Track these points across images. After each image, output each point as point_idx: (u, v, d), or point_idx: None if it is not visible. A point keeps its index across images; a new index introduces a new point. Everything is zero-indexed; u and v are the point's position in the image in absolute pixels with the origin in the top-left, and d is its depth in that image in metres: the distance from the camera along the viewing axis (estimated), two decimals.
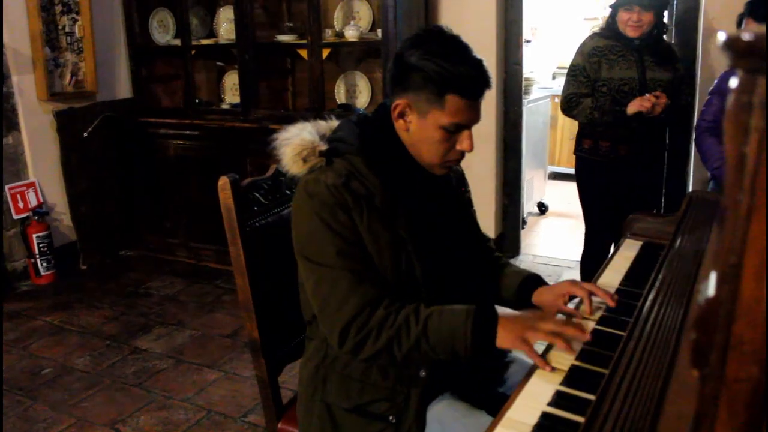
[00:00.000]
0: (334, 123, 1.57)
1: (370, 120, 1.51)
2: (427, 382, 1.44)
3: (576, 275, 3.60)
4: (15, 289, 3.96)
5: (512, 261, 2.46)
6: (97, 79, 4.25)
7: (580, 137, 3.14)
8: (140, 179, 4.50)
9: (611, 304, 1.47)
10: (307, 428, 1.57)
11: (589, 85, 2.97)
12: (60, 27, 4.04)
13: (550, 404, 1.13)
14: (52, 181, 4.14)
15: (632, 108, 2.81)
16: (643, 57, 2.92)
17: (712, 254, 1.31)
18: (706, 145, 2.90)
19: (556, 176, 6.44)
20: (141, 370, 3.03)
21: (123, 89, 4.50)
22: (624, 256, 1.85)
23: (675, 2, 3.55)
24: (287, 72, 4.52)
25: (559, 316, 1.46)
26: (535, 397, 1.16)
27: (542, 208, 5.50)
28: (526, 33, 4.28)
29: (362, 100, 4.23)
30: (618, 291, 1.61)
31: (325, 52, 3.88)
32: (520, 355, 1.72)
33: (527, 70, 4.48)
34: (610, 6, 3.02)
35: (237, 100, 4.39)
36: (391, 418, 1.44)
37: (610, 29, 2.97)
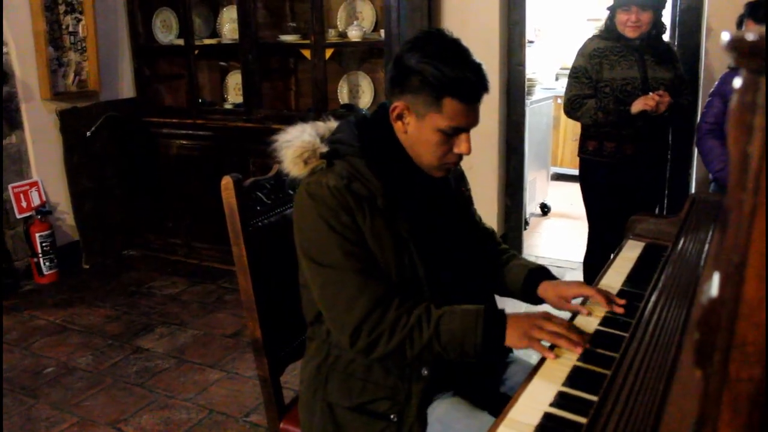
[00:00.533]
0: (333, 124, 1.57)
1: (369, 121, 1.52)
2: (429, 380, 1.44)
3: (579, 276, 3.60)
4: (18, 288, 3.97)
5: None
6: (101, 79, 4.26)
7: (584, 139, 3.13)
8: (143, 179, 4.51)
9: (619, 310, 1.47)
10: (308, 428, 1.57)
11: (591, 86, 2.97)
12: (63, 26, 4.05)
13: (552, 405, 1.13)
14: (55, 180, 4.15)
15: (637, 107, 2.81)
16: (644, 56, 2.92)
17: (715, 255, 1.31)
18: (708, 146, 2.90)
19: (558, 177, 6.44)
20: (143, 369, 3.03)
21: (126, 89, 4.51)
22: (626, 257, 1.85)
23: (677, 2, 3.55)
24: (290, 72, 4.53)
25: (565, 314, 1.47)
26: (537, 398, 1.16)
27: (545, 209, 5.49)
28: (529, 34, 4.28)
29: (365, 100, 4.23)
30: (620, 292, 1.61)
31: (328, 53, 3.88)
32: (521, 355, 1.72)
33: (530, 71, 4.48)
34: (608, 8, 3.03)
35: (240, 99, 4.39)
36: (392, 416, 1.44)
37: (609, 30, 2.98)
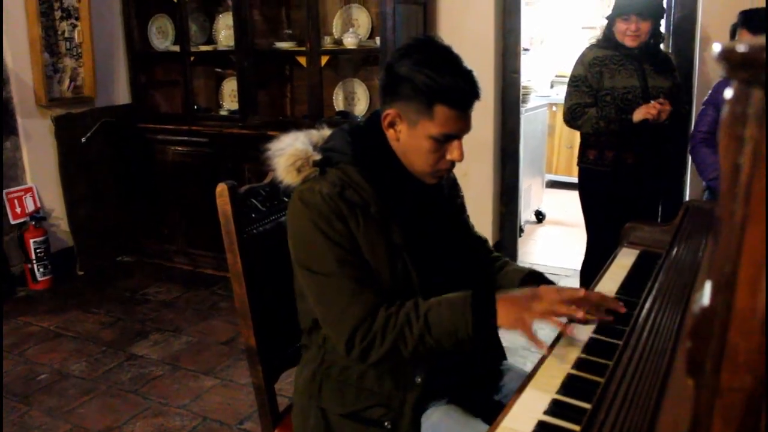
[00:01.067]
0: (326, 132, 1.57)
1: (362, 129, 1.52)
2: (423, 387, 1.44)
3: (574, 283, 3.60)
4: (12, 295, 3.95)
5: None
6: (96, 85, 4.26)
7: (584, 148, 3.13)
8: (138, 185, 4.50)
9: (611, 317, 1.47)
10: None
11: (592, 95, 2.97)
12: (59, 32, 4.05)
13: (546, 413, 1.13)
14: (49, 186, 4.14)
15: (638, 115, 2.82)
16: (643, 65, 2.93)
17: (707, 264, 1.32)
18: (702, 155, 2.91)
19: (553, 184, 6.45)
20: (137, 376, 3.02)
21: (122, 95, 4.51)
22: (621, 265, 1.85)
23: (672, 11, 3.57)
24: (286, 79, 4.54)
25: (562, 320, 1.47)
26: (531, 406, 1.16)
27: (539, 217, 5.50)
28: (524, 42, 4.30)
29: (360, 107, 4.23)
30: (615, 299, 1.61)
31: (324, 60, 3.89)
32: (515, 363, 1.72)
33: (525, 79, 4.49)
34: (607, 17, 3.03)
35: (235, 106, 4.39)
36: (386, 423, 1.44)
37: (608, 39, 2.99)
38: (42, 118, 4.05)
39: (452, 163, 1.45)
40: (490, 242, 4.10)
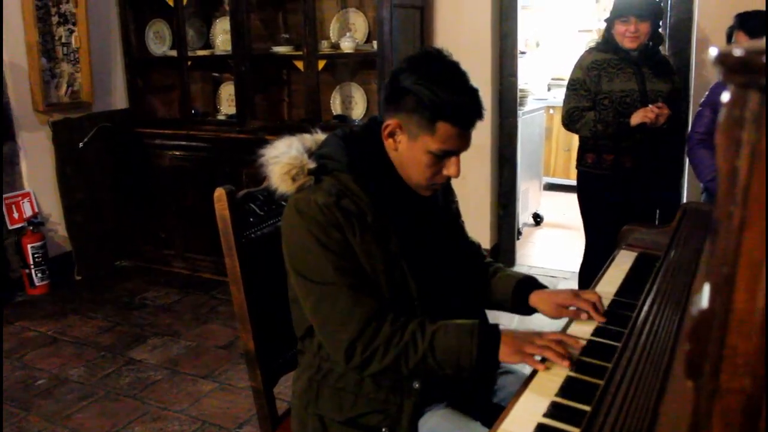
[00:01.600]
0: (320, 137, 1.57)
1: (358, 136, 1.51)
2: (420, 393, 1.44)
3: (573, 286, 3.60)
4: (10, 300, 3.94)
5: None
6: (93, 90, 4.26)
7: (583, 152, 3.13)
8: (136, 190, 4.50)
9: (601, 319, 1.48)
10: None
11: (590, 99, 2.97)
12: (56, 37, 4.05)
13: (545, 415, 1.13)
14: (47, 191, 4.13)
15: (636, 119, 2.82)
16: (642, 69, 2.93)
17: (706, 266, 1.32)
18: (699, 157, 2.91)
19: (551, 187, 6.46)
20: (135, 381, 3.02)
21: (119, 100, 4.51)
22: (619, 267, 1.86)
23: (668, 14, 3.58)
24: (283, 83, 4.54)
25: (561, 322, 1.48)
26: (530, 408, 1.16)
27: (537, 219, 5.51)
28: (521, 45, 4.31)
29: (358, 111, 4.24)
30: (613, 302, 1.62)
31: (321, 64, 3.89)
32: (513, 365, 1.72)
33: (522, 82, 4.50)
34: (605, 20, 3.04)
35: (233, 110, 4.40)
36: (384, 429, 1.44)
37: (607, 43, 2.99)
38: (39, 124, 4.05)
39: (448, 178, 1.45)
40: (489, 245, 4.13)
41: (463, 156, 1.43)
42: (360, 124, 1.56)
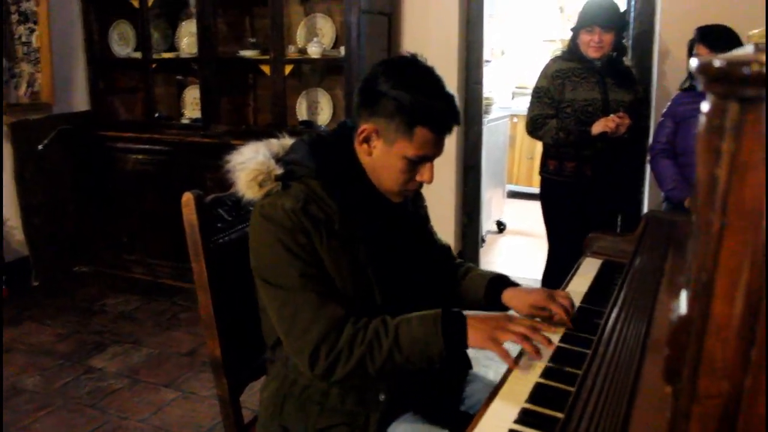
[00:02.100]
0: (287, 141, 1.55)
1: (326, 141, 1.49)
2: (386, 404, 1.43)
3: None
4: None
5: None
6: (54, 91, 4.17)
7: (546, 158, 3.18)
8: (97, 193, 4.41)
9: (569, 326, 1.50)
10: None
11: (553, 107, 3.02)
12: (16, 36, 3.96)
13: (516, 421, 1.14)
14: (5, 193, 4.02)
15: (597, 128, 2.87)
16: (605, 78, 2.99)
17: (681, 273, 1.35)
18: (661, 166, 2.97)
19: (513, 195, 6.53)
20: (95, 390, 2.95)
21: (80, 101, 4.42)
22: (584, 275, 1.88)
23: (631, 26, 3.65)
24: (248, 87, 4.50)
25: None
26: (501, 415, 1.16)
27: (500, 227, 5.56)
28: (486, 53, 4.34)
29: (324, 116, 4.23)
30: (580, 309, 1.63)
31: (288, 69, 3.88)
32: (480, 372, 1.73)
33: (486, 90, 4.54)
34: (571, 29, 3.09)
35: (197, 114, 4.35)
36: None
37: (572, 52, 3.04)
38: None
39: (420, 184, 1.45)
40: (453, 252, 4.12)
41: None
42: (329, 130, 1.55)
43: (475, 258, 4.37)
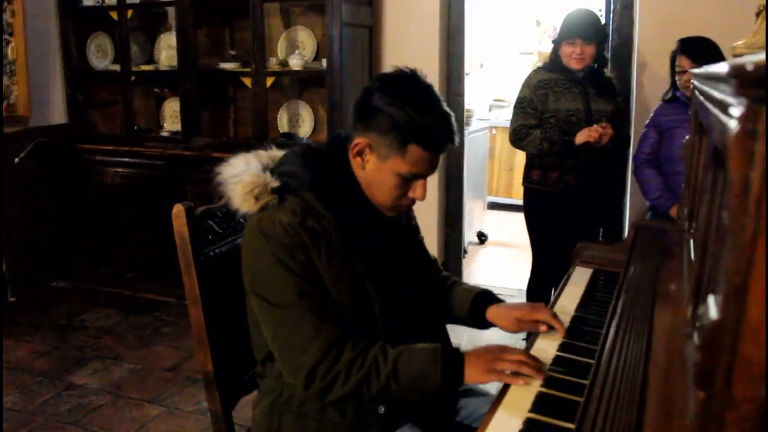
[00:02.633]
0: (275, 153, 1.53)
1: (320, 153, 1.48)
2: (385, 417, 1.42)
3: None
4: None
5: None
6: (31, 104, 4.11)
7: (529, 168, 3.19)
8: (75, 207, 4.34)
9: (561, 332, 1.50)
10: None
11: (537, 117, 3.04)
12: None
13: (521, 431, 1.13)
14: None
15: (580, 138, 2.89)
16: (587, 89, 3.02)
17: (670, 281, 1.35)
18: (645, 176, 3.00)
19: (493, 206, 6.55)
20: (77, 407, 2.89)
21: (58, 114, 4.35)
22: (576, 284, 1.88)
23: (611, 38, 3.69)
24: (229, 100, 4.48)
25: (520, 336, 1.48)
26: (505, 426, 1.15)
27: (482, 238, 5.57)
28: (466, 66, 4.37)
29: (305, 129, 4.21)
30: (575, 318, 1.64)
31: (270, 81, 3.86)
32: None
33: (466, 102, 4.56)
34: (553, 41, 3.13)
35: (177, 127, 4.31)
36: None
37: (554, 63, 3.07)
38: None
39: (413, 201, 1.45)
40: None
41: None
42: (321, 141, 1.53)
43: (458, 269, 4.37)
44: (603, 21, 3.37)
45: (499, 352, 1.34)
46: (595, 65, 3.06)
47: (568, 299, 1.77)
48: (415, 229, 1.70)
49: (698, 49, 2.77)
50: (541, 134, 2.99)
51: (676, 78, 2.94)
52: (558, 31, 3.13)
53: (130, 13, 4.12)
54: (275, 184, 1.41)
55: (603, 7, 3.78)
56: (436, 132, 1.34)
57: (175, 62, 4.08)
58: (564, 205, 3.10)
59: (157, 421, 2.77)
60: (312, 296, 1.34)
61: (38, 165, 4.19)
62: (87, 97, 4.43)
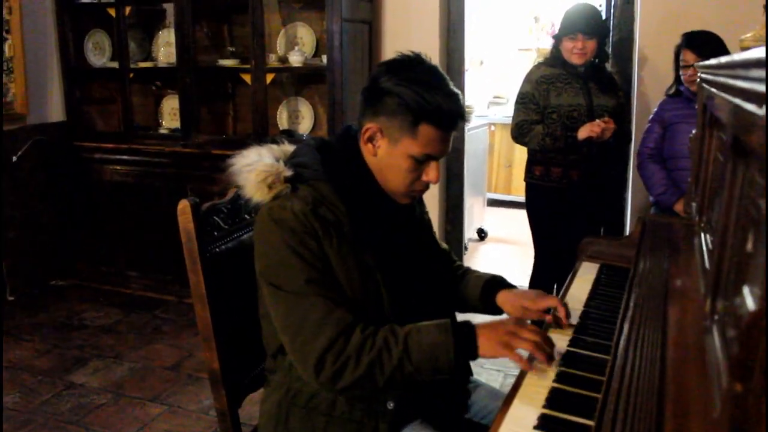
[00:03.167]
0: (287, 147, 1.53)
1: (332, 145, 1.48)
2: (395, 413, 1.40)
3: None
4: None
5: None
6: (28, 101, 4.07)
7: (531, 164, 3.18)
8: (74, 205, 4.32)
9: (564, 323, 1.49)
10: None
11: (539, 112, 3.03)
12: None
13: (536, 428, 1.12)
14: None
15: (583, 133, 2.88)
16: (589, 84, 3.01)
17: (681, 276, 1.34)
18: (649, 171, 2.99)
19: (493, 203, 6.54)
20: (78, 406, 2.87)
21: (55, 112, 4.32)
22: (584, 279, 1.87)
23: (611, 33, 3.68)
24: (228, 97, 4.45)
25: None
26: (520, 421, 1.14)
27: (482, 234, 5.56)
28: (466, 63, 4.35)
29: (305, 125, 4.20)
30: (584, 312, 1.63)
31: (269, 77, 3.84)
32: (483, 380, 1.71)
33: (465, 99, 4.54)
34: (554, 36, 3.11)
35: (175, 124, 4.29)
36: None
37: (555, 58, 3.06)
38: None
39: (427, 185, 1.44)
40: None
41: None
42: (333, 134, 1.53)
43: None
44: (604, 16, 3.36)
45: (514, 326, 1.32)
46: (596, 60, 3.05)
47: (576, 294, 1.76)
48: (429, 224, 1.69)
49: (703, 43, 2.76)
50: (544, 130, 2.98)
51: (681, 72, 2.93)
52: (556, 27, 3.12)
53: (128, 9, 4.09)
54: (288, 173, 1.40)
55: (603, 1, 3.77)
56: (446, 110, 1.32)
57: (173, 59, 4.05)
58: (566, 201, 3.08)
59: (159, 420, 2.75)
60: (322, 283, 1.32)
61: (36, 163, 4.16)
62: (85, 94, 4.40)
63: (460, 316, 1.50)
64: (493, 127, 6.32)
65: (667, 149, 2.98)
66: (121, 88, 4.19)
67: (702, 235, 1.48)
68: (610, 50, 3.68)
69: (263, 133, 3.82)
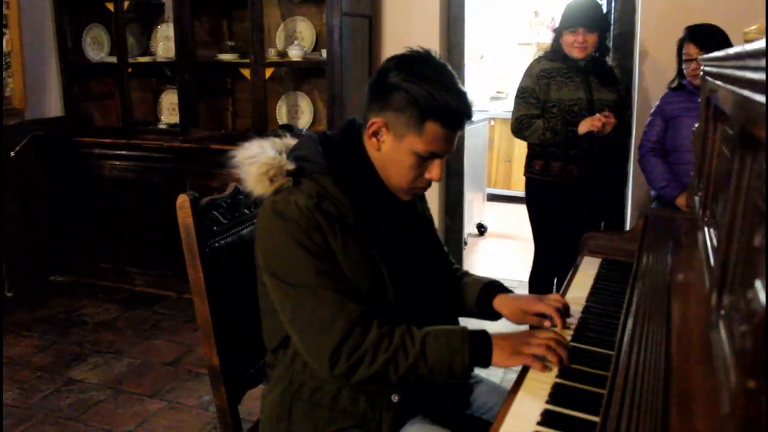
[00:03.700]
0: (290, 141, 1.51)
1: (335, 139, 1.47)
2: (399, 407, 1.40)
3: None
4: None
5: None
6: (26, 96, 4.05)
7: (531, 158, 3.16)
8: (72, 201, 4.30)
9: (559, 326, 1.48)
10: None
11: (539, 107, 3.01)
12: None
13: (540, 423, 1.11)
14: None
15: (583, 128, 2.86)
16: (589, 78, 2.99)
17: (684, 270, 1.32)
18: (651, 164, 2.98)
19: (492, 198, 6.53)
20: (77, 402, 2.86)
21: (54, 107, 4.30)
22: (586, 273, 1.86)
23: (612, 27, 3.66)
24: (227, 92, 4.44)
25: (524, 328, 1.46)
26: (523, 417, 1.13)
27: (481, 229, 5.55)
28: (465, 57, 4.33)
29: (304, 120, 4.18)
30: (586, 307, 1.62)
31: (269, 72, 3.82)
32: (486, 375, 1.70)
33: None
34: (554, 30, 3.09)
35: (174, 119, 4.27)
36: None
37: (555, 52, 3.04)
38: None
39: (429, 182, 1.42)
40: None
41: None
42: (334, 128, 1.51)
43: (458, 260, 4.35)
44: (605, 9, 3.34)
45: (527, 336, 1.33)
46: (597, 54, 3.03)
47: (578, 289, 1.75)
48: (430, 220, 1.68)
49: (707, 37, 2.74)
50: (544, 124, 2.96)
51: (683, 66, 2.92)
52: (557, 21, 3.10)
53: (126, 4, 4.07)
54: (291, 166, 1.39)
55: None
56: (453, 108, 1.31)
57: (172, 54, 4.04)
58: (566, 195, 3.07)
59: (159, 416, 2.74)
60: (331, 276, 1.31)
61: (35, 158, 4.14)
62: (83, 89, 4.38)
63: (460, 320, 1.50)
64: (492, 122, 6.30)
65: (669, 143, 2.96)
66: (120, 82, 4.17)
67: (706, 229, 1.47)
68: (611, 44, 3.66)
69: (262, 127, 3.81)
